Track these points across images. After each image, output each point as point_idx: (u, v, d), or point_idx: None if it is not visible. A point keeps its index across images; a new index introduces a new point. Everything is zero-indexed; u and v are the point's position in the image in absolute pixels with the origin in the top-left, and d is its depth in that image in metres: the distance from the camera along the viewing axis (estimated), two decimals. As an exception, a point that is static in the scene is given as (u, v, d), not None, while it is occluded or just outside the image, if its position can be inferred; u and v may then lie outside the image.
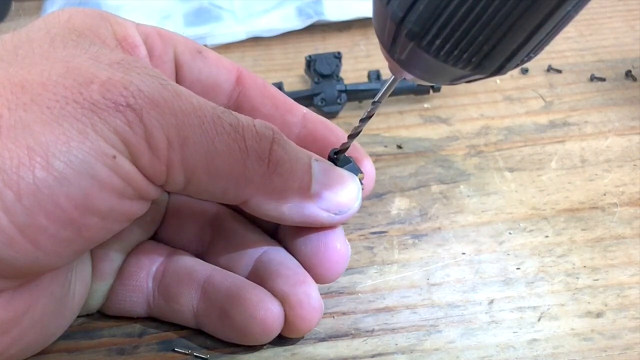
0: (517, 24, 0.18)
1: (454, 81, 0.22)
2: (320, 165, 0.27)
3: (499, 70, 0.20)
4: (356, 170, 0.29)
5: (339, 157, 0.29)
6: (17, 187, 0.20)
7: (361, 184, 0.28)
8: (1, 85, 0.21)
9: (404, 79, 0.24)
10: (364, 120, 0.28)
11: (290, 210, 0.26)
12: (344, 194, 0.27)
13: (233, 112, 0.25)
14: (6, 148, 0.20)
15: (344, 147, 0.29)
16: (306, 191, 0.26)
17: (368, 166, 0.30)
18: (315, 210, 0.26)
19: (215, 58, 0.30)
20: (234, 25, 0.50)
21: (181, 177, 0.23)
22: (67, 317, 0.27)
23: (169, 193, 0.31)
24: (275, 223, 0.30)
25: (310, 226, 0.27)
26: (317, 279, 0.28)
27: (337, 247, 0.28)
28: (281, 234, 0.30)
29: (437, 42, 0.20)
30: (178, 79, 0.29)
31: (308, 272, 0.28)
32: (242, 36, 0.49)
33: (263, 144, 0.25)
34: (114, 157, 0.21)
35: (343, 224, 0.28)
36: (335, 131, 0.30)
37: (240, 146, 0.24)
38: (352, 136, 0.28)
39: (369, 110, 0.27)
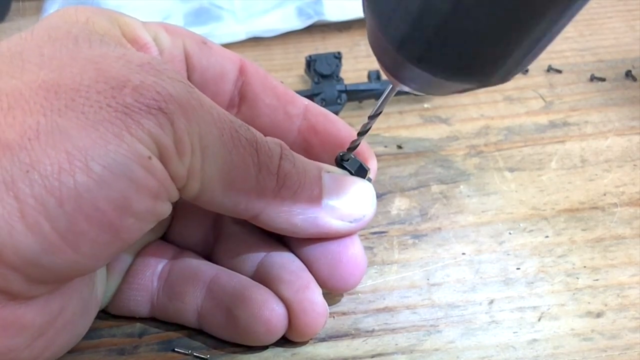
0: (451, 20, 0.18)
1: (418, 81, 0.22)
2: (331, 176, 0.27)
3: (446, 69, 0.20)
4: (365, 171, 0.29)
5: (347, 159, 0.29)
6: (59, 193, 0.20)
7: (370, 180, 0.28)
8: (34, 92, 0.21)
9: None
10: (373, 117, 0.28)
11: (303, 222, 0.26)
12: (358, 202, 0.27)
13: (250, 128, 0.25)
14: (46, 154, 0.20)
15: (354, 145, 0.29)
16: (317, 202, 0.26)
17: (373, 165, 0.30)
18: (329, 221, 0.27)
19: (218, 48, 0.30)
20: (234, 25, 0.50)
21: (197, 185, 0.23)
22: (91, 316, 0.27)
23: None
24: None
25: (326, 237, 0.27)
26: (332, 290, 0.28)
27: (355, 257, 0.27)
28: (287, 238, 0.29)
29: (388, 26, 0.20)
30: (189, 69, 0.29)
31: (323, 283, 0.27)
32: (242, 36, 0.49)
33: (274, 160, 0.25)
34: (150, 158, 0.21)
35: (360, 231, 0.28)
36: (336, 123, 0.30)
37: (254, 160, 0.24)
38: (361, 133, 0.28)
39: (376, 108, 0.27)
